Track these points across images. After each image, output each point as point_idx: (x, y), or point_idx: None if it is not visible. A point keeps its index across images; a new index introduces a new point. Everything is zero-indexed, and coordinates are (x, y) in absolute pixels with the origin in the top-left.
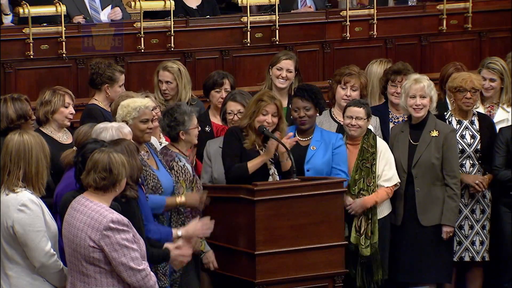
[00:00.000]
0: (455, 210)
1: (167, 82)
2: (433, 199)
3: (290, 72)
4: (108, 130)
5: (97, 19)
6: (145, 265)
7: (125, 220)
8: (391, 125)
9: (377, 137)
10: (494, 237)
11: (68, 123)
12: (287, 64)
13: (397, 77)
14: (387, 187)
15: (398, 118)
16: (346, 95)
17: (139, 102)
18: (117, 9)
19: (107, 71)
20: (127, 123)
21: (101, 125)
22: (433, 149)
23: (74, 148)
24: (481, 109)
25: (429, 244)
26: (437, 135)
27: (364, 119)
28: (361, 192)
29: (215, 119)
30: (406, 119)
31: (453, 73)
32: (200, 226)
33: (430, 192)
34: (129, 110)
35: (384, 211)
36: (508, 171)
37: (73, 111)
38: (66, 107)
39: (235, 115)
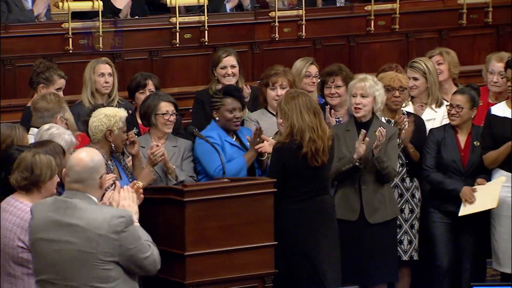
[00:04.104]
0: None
1: (109, 74)
2: (379, 196)
3: (234, 67)
4: (61, 135)
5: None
6: None
7: None
8: None
9: None
10: (422, 238)
11: None
12: (229, 61)
13: (330, 78)
14: None
15: (338, 118)
16: (277, 95)
17: (123, 112)
18: None
19: (45, 72)
20: (111, 132)
21: (54, 130)
22: (381, 147)
23: None
24: (410, 109)
25: (376, 242)
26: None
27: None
28: None
29: None
30: (341, 119)
31: (384, 71)
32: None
33: (376, 190)
34: (116, 120)
35: None
36: (439, 174)
37: None
38: None
39: (171, 116)
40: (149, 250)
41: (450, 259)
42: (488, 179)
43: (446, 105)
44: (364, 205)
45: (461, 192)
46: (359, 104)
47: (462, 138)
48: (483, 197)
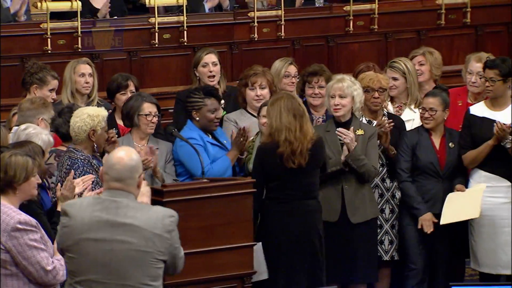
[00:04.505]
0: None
1: (89, 74)
2: (360, 196)
3: (216, 64)
4: (38, 135)
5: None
6: (54, 263)
7: (33, 221)
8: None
9: None
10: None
11: None
12: (210, 58)
13: (313, 78)
14: None
15: (319, 119)
16: (256, 95)
17: (104, 112)
18: None
19: (39, 73)
20: (95, 132)
21: (31, 129)
22: (360, 147)
23: None
24: (390, 109)
25: (357, 243)
26: (362, 133)
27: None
28: None
29: (121, 122)
30: (323, 118)
31: (361, 71)
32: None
33: (357, 189)
34: (99, 119)
35: None
36: (413, 187)
37: None
38: None
39: (154, 117)
40: (182, 250)
41: (424, 261)
42: (465, 181)
43: (419, 108)
44: (346, 205)
45: (422, 217)
46: (338, 104)
47: (436, 140)
48: (465, 205)
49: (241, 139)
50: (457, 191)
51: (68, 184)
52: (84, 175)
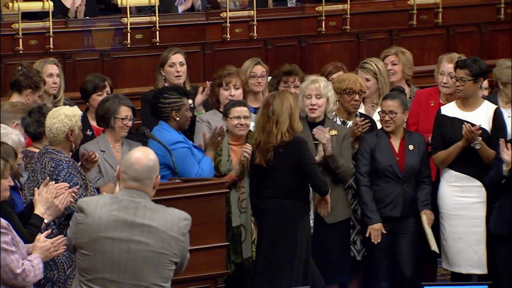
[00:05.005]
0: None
1: (57, 74)
2: (334, 196)
3: (183, 65)
4: (8, 135)
5: None
6: (24, 265)
7: (4, 222)
8: None
9: None
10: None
11: None
12: (177, 58)
13: (289, 78)
14: None
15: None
16: (230, 95)
17: (79, 111)
18: None
19: (34, 77)
20: (73, 132)
21: (1, 129)
22: (334, 147)
23: None
24: (362, 109)
25: (330, 243)
26: (336, 134)
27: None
28: None
29: (95, 123)
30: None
31: (333, 72)
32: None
33: (332, 190)
34: (76, 119)
35: None
36: (370, 193)
37: None
38: None
39: (129, 121)
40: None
41: (388, 266)
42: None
43: (379, 112)
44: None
45: (371, 226)
46: (315, 104)
47: (395, 143)
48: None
49: (219, 138)
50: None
51: (50, 188)
52: (69, 177)
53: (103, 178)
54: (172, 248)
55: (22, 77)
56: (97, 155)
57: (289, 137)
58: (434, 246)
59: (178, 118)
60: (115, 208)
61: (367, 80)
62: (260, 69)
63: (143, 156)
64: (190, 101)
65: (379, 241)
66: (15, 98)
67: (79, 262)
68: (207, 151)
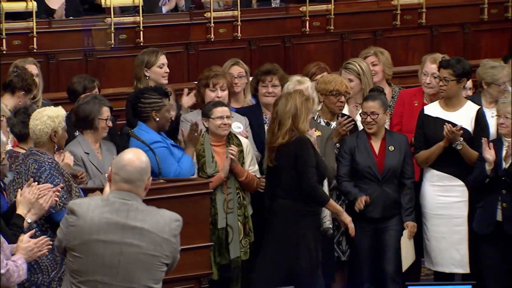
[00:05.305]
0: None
1: (36, 74)
2: None
3: (167, 65)
4: None
5: None
6: (7, 266)
7: None
8: (266, 127)
9: (237, 135)
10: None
11: None
12: (165, 59)
13: (267, 77)
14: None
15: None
16: (217, 97)
17: (62, 111)
18: None
19: (30, 80)
20: (56, 133)
21: None
22: (318, 148)
23: None
24: (345, 109)
25: None
26: (320, 135)
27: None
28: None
29: None
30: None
31: (317, 74)
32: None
33: None
34: (60, 120)
35: None
36: (349, 183)
37: None
38: None
39: (109, 121)
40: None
41: (371, 266)
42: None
43: (360, 113)
44: None
45: (358, 200)
46: None
47: (376, 144)
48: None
49: (195, 134)
50: (408, 229)
51: (32, 189)
52: (51, 178)
53: (91, 180)
54: (164, 250)
55: (16, 79)
56: (85, 175)
57: (291, 138)
58: (404, 267)
59: (158, 119)
60: (106, 210)
61: (350, 80)
62: (237, 70)
63: (135, 157)
64: (172, 102)
65: (362, 208)
66: (7, 99)
67: (70, 264)
68: (186, 148)
